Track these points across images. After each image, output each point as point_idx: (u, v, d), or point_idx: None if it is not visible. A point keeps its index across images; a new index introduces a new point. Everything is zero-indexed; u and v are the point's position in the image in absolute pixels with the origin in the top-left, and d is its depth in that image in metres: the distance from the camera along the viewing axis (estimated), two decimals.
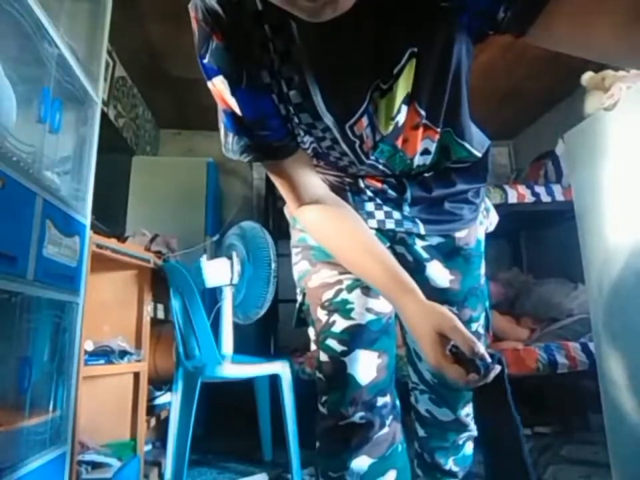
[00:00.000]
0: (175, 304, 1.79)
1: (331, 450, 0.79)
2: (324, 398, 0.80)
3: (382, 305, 0.81)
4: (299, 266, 0.89)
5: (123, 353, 1.60)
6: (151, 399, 1.92)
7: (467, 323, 0.89)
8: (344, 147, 0.75)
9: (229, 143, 0.75)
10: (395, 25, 0.62)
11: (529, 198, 2.73)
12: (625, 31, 0.51)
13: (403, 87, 0.68)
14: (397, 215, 0.86)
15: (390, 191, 0.85)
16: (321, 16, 0.53)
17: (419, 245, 0.89)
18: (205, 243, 2.46)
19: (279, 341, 2.63)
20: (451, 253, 0.89)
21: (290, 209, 0.85)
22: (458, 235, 0.90)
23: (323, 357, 0.80)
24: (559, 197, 2.74)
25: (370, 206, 0.85)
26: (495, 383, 0.63)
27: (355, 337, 0.78)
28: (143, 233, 2.15)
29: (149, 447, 1.87)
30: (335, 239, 0.78)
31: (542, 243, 3.58)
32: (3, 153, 0.94)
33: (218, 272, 1.79)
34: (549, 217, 3.06)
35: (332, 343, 0.79)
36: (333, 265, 0.82)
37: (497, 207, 2.96)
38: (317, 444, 0.81)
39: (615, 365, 1.38)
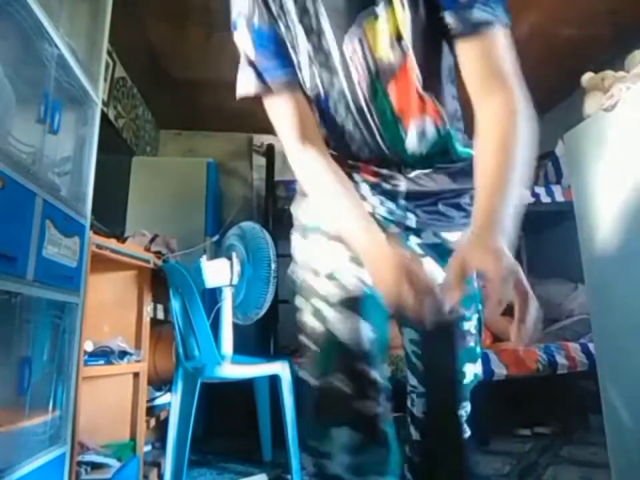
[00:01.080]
0: (175, 304, 1.79)
1: (314, 420, 0.78)
2: (312, 365, 0.79)
3: (369, 278, 0.81)
4: (294, 241, 0.91)
5: (123, 354, 1.59)
6: (150, 399, 1.92)
7: (459, 321, 0.90)
8: (343, 82, 0.79)
9: (241, 80, 0.82)
10: None
11: (528, 198, 2.73)
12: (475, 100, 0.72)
13: (391, 19, 0.74)
14: (390, 204, 0.88)
15: (384, 184, 0.87)
16: None
17: (413, 241, 0.90)
18: (204, 244, 2.46)
19: (279, 341, 2.63)
20: (444, 255, 0.88)
21: (287, 150, 0.85)
22: (451, 238, 0.90)
23: (313, 323, 0.79)
24: (559, 197, 2.75)
25: (365, 189, 0.88)
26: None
27: (347, 306, 0.78)
28: (143, 233, 2.15)
29: (148, 448, 1.87)
30: (319, 179, 0.82)
31: (542, 244, 3.58)
32: (3, 153, 0.94)
33: (218, 272, 1.79)
34: (549, 218, 3.06)
35: (324, 309, 0.78)
36: (323, 233, 0.84)
37: None
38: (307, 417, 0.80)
39: (614, 366, 1.38)
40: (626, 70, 1.44)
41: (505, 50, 0.75)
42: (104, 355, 1.54)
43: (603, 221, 1.43)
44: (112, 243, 1.56)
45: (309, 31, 0.77)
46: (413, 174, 0.87)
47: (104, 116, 2.08)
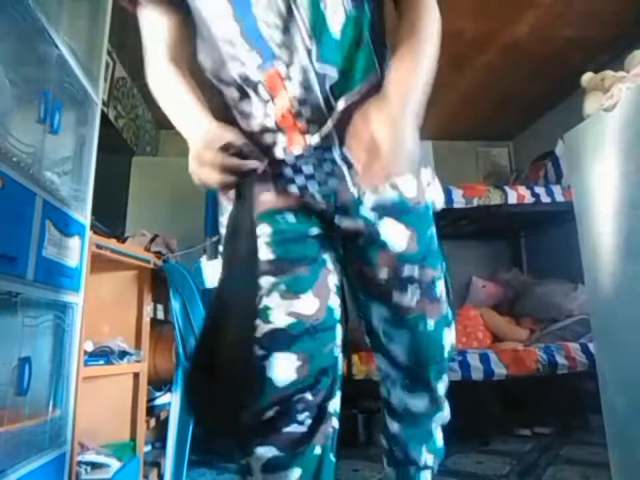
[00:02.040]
0: (175, 304, 1.79)
1: (242, 439, 0.79)
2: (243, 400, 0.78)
3: (304, 308, 0.79)
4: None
5: (123, 354, 1.59)
6: (150, 399, 1.92)
7: (431, 283, 0.88)
8: None
9: None
10: None
11: (528, 198, 2.73)
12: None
13: None
14: (318, 175, 0.81)
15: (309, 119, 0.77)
16: None
17: (367, 203, 0.83)
18: (204, 244, 2.46)
19: None
20: (402, 210, 0.85)
21: (151, 63, 0.86)
22: (408, 193, 0.85)
23: None
24: (559, 197, 2.74)
25: (288, 172, 0.81)
26: None
27: (273, 341, 0.77)
28: (143, 233, 2.15)
29: (148, 448, 1.86)
30: (170, 87, 0.82)
31: (542, 244, 3.59)
32: (3, 153, 0.94)
33: (218, 272, 1.79)
34: (549, 218, 3.06)
35: (253, 347, 0.77)
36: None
37: (496, 207, 2.97)
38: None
39: (614, 366, 1.38)
40: (626, 70, 1.44)
41: None
42: (104, 354, 1.54)
43: (603, 221, 1.43)
44: (112, 243, 1.56)
45: None
46: (342, 100, 0.76)
47: (104, 116, 2.08)
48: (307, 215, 0.83)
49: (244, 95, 0.80)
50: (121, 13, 1.73)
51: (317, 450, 0.78)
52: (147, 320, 1.77)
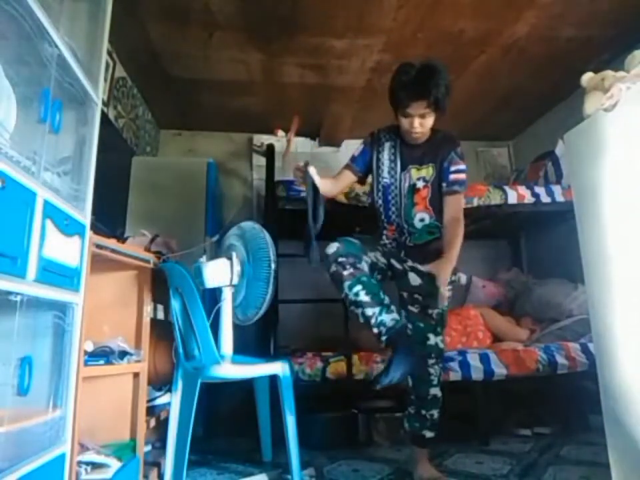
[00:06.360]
0: (175, 304, 1.79)
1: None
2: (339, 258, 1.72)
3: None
4: None
5: (123, 354, 1.59)
6: (150, 399, 1.92)
7: (427, 305, 1.75)
8: (399, 185, 1.83)
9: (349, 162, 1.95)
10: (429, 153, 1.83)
11: (528, 198, 2.74)
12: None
13: (423, 172, 1.81)
14: (398, 250, 1.88)
15: (398, 239, 1.88)
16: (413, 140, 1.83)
17: (407, 263, 1.84)
18: (204, 244, 2.46)
19: (279, 341, 2.63)
20: (418, 272, 1.79)
21: (331, 178, 1.91)
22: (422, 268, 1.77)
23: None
24: (559, 197, 2.74)
25: (387, 244, 1.90)
26: None
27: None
28: (143, 233, 2.15)
29: (148, 448, 1.87)
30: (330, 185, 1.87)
31: (542, 243, 3.59)
32: (3, 153, 0.94)
33: (218, 272, 1.79)
34: (549, 218, 3.06)
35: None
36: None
37: (496, 207, 2.97)
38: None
39: (614, 366, 1.38)
40: (626, 70, 1.44)
41: (461, 202, 1.82)
42: (104, 354, 1.54)
43: (602, 220, 1.43)
44: (112, 242, 1.56)
45: (391, 164, 1.85)
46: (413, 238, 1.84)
47: (104, 116, 2.08)
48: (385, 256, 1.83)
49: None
50: (121, 13, 1.74)
51: (365, 278, 1.71)
52: (147, 320, 1.77)
